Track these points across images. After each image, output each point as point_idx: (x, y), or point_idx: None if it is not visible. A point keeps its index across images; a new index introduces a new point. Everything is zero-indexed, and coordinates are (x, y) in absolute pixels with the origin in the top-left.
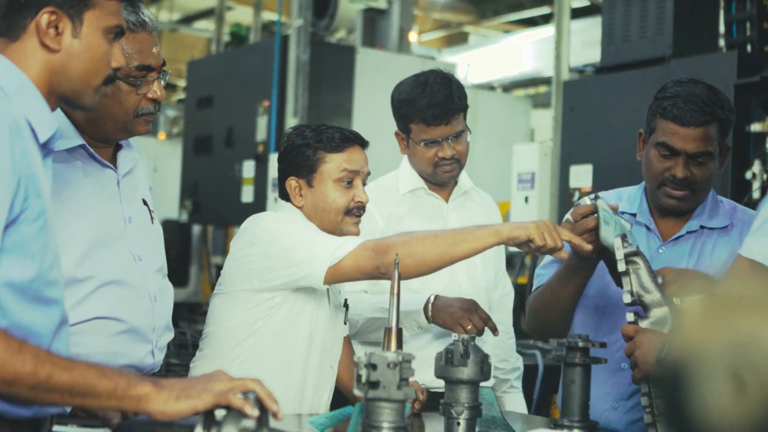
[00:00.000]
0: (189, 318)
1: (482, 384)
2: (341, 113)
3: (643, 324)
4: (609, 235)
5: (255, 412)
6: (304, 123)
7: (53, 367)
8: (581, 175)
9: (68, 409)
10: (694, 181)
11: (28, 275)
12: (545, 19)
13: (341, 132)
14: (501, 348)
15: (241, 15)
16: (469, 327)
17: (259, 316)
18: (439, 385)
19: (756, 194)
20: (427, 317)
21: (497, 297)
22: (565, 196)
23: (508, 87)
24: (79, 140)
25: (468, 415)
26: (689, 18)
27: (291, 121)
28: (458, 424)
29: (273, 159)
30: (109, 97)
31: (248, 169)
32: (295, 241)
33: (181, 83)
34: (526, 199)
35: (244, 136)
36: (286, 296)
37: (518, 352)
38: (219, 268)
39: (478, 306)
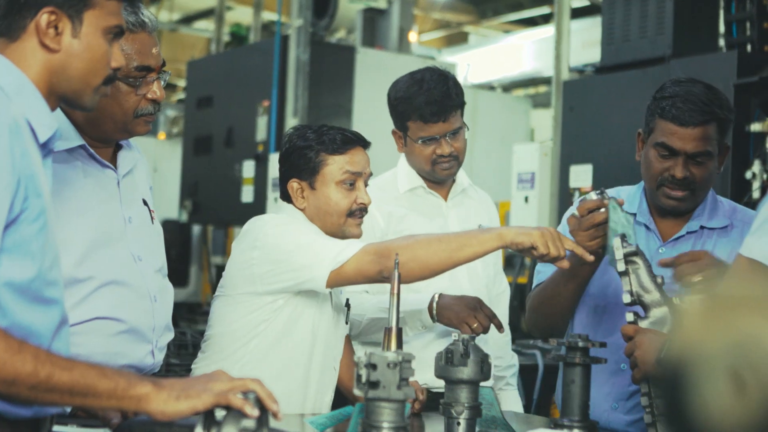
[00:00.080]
0: (189, 318)
1: (482, 384)
2: (341, 113)
3: (643, 324)
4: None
5: (255, 412)
6: (304, 123)
7: (53, 367)
8: (581, 175)
9: (68, 409)
10: (693, 181)
11: (28, 275)
12: (545, 19)
13: (343, 133)
14: (497, 345)
15: (241, 15)
16: (475, 325)
17: (262, 318)
18: (441, 384)
19: (756, 194)
20: (431, 316)
21: (494, 294)
22: (565, 196)
23: (508, 87)
24: (79, 140)
25: (468, 415)
26: (689, 18)
27: (291, 121)
28: (458, 424)
29: (273, 159)
30: (108, 98)
31: (248, 169)
32: (297, 245)
33: (181, 83)
34: (526, 199)
35: (244, 136)
36: (288, 299)
37: (518, 351)
38: (219, 268)
39: (483, 303)
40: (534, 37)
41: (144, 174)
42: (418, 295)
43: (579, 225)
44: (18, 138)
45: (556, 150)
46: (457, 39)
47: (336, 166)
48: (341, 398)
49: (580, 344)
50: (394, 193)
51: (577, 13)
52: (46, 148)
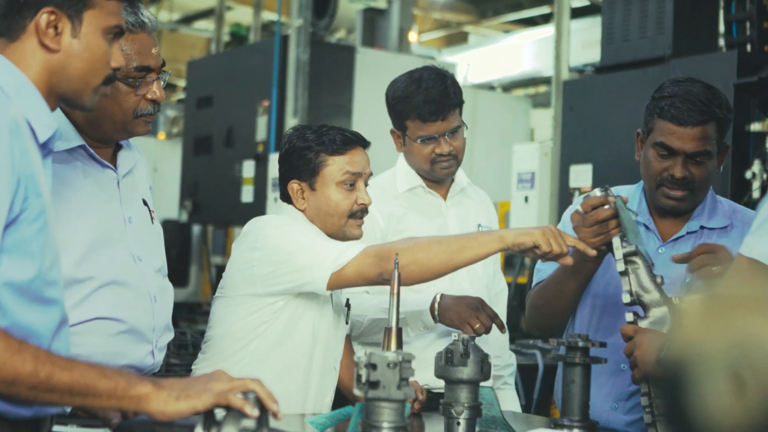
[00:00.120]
0: (189, 318)
1: (482, 384)
2: (341, 113)
3: (643, 324)
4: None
5: (255, 412)
6: (304, 123)
7: (53, 367)
8: (581, 175)
9: (68, 409)
10: (692, 181)
11: (28, 275)
12: (545, 19)
13: (342, 133)
14: (495, 344)
15: (241, 15)
16: (477, 326)
17: (262, 320)
18: (441, 385)
19: (756, 194)
20: (433, 317)
21: (493, 293)
22: (564, 196)
23: (508, 87)
24: (78, 141)
25: (468, 415)
26: (689, 18)
27: (291, 121)
28: (458, 424)
29: (273, 159)
30: (108, 98)
31: (248, 169)
32: (297, 247)
33: (181, 83)
34: (526, 199)
35: (243, 136)
36: (288, 300)
37: (518, 351)
38: (219, 268)
39: (485, 304)
40: (534, 37)
41: (144, 174)
42: (420, 296)
43: (583, 221)
44: (18, 138)
45: (556, 150)
46: (457, 39)
47: (336, 166)
48: (341, 398)
49: (580, 344)
50: (393, 192)
51: (577, 13)
52: (45, 148)
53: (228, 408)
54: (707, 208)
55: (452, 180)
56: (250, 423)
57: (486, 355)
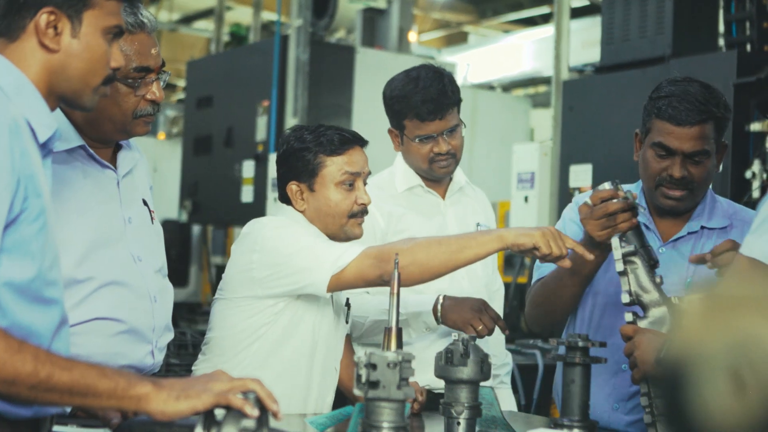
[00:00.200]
0: (189, 318)
1: (482, 384)
2: (341, 113)
3: (642, 324)
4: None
5: (255, 412)
6: (304, 123)
7: (53, 367)
8: (581, 175)
9: (68, 409)
10: (691, 181)
11: (28, 275)
12: (545, 19)
13: (340, 133)
14: (491, 343)
15: (241, 15)
16: (480, 327)
17: (263, 322)
18: (442, 385)
19: (756, 193)
20: (436, 318)
21: (490, 292)
22: (564, 196)
23: (508, 87)
24: (78, 141)
25: (468, 414)
26: (689, 17)
27: (291, 121)
28: (458, 423)
29: (273, 159)
30: (107, 99)
31: (248, 169)
32: (296, 249)
33: (181, 83)
34: (526, 199)
35: (243, 136)
36: (288, 302)
37: (518, 351)
38: (219, 268)
39: (488, 305)
40: (534, 36)
41: (144, 174)
42: (422, 297)
43: (591, 214)
44: (18, 138)
45: (556, 150)
46: (456, 39)
47: (335, 167)
48: (341, 398)
49: (580, 344)
50: (392, 192)
51: (577, 12)
52: (45, 148)
53: (228, 408)
54: (707, 207)
55: (450, 179)
56: (250, 423)
57: (486, 355)
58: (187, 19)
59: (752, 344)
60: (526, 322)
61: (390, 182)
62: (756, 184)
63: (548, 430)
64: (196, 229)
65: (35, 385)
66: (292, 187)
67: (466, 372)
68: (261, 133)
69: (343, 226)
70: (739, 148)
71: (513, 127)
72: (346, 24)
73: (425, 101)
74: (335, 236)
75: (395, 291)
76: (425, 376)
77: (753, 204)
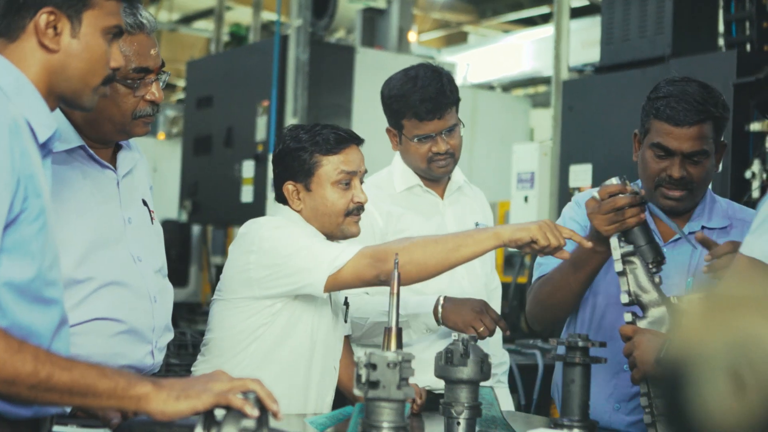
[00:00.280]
0: (189, 318)
1: (482, 384)
2: (341, 113)
3: (641, 324)
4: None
5: (255, 412)
6: (303, 123)
7: (53, 367)
8: (581, 175)
9: (68, 409)
10: (690, 181)
11: (28, 275)
12: (544, 19)
13: (336, 132)
14: (489, 343)
15: (241, 15)
16: (481, 329)
17: (261, 322)
18: (442, 386)
19: (755, 193)
20: (437, 319)
21: (489, 290)
22: (564, 196)
23: (508, 87)
24: (78, 141)
25: (468, 414)
26: (688, 17)
27: (290, 121)
28: (458, 423)
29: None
30: (107, 99)
31: (248, 169)
32: (294, 249)
33: (181, 83)
34: (526, 199)
35: (243, 136)
36: (286, 302)
37: (518, 351)
38: (219, 268)
39: (488, 307)
40: (533, 36)
41: (144, 174)
42: (422, 298)
43: (598, 208)
44: (17, 138)
45: (556, 150)
46: (456, 39)
47: (331, 166)
48: (341, 398)
49: (580, 344)
50: (390, 191)
51: (577, 12)
52: (45, 148)
53: (228, 408)
54: (707, 208)
55: (449, 178)
56: (250, 423)
57: (486, 355)
58: (187, 19)
59: (752, 344)
60: (526, 322)
61: (388, 182)
62: (756, 184)
63: (548, 430)
64: (196, 229)
65: (35, 385)
66: (289, 186)
67: (466, 372)
68: (261, 133)
69: (340, 225)
70: (739, 148)
71: (513, 127)
72: (345, 24)
73: (424, 100)
74: (332, 235)
75: (395, 291)
76: (425, 377)
77: (753, 204)
